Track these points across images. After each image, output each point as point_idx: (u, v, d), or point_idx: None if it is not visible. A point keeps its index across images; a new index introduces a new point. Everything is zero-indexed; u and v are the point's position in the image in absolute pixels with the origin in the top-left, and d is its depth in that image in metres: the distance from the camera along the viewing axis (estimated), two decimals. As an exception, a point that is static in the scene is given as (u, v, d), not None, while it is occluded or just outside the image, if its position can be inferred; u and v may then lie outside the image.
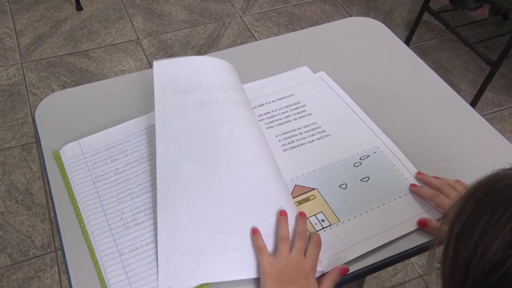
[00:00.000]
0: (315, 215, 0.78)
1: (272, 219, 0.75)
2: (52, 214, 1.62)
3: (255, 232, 0.73)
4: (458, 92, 2.09)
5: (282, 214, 0.74)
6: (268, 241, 0.73)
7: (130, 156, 0.86)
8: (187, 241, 0.73)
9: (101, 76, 2.13)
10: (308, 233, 0.75)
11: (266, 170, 0.79)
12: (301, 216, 0.75)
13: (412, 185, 0.82)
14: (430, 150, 0.89)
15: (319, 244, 0.73)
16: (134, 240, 0.75)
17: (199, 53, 2.25)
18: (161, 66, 0.89)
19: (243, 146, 0.80)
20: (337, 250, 0.74)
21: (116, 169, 0.84)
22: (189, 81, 0.87)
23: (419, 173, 0.84)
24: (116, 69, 2.17)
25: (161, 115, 0.83)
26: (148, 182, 0.82)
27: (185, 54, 2.24)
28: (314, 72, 1.03)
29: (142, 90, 0.98)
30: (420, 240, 0.77)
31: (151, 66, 2.22)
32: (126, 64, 2.20)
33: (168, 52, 2.25)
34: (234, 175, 0.77)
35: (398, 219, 0.78)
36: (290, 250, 0.72)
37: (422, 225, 0.77)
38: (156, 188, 0.78)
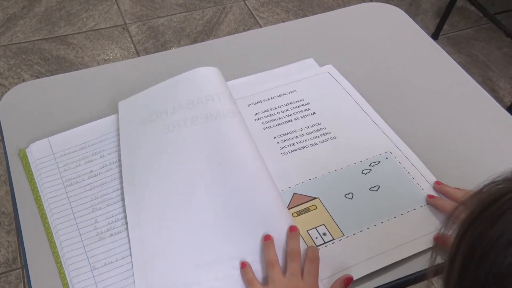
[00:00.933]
0: (315, 227, 0.80)
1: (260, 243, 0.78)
2: (20, 225, 1.64)
3: (243, 265, 0.76)
4: (498, 91, 2.12)
5: (265, 239, 0.77)
6: (259, 268, 0.76)
7: (108, 157, 0.88)
8: (167, 276, 0.76)
9: (81, 66, 2.16)
10: (305, 247, 0.77)
11: (254, 184, 0.82)
12: (292, 231, 0.77)
13: (430, 196, 0.84)
14: (452, 157, 0.91)
15: (316, 259, 0.75)
16: (109, 252, 0.78)
17: (195, 41, 2.27)
18: (125, 105, 0.95)
19: (224, 162, 0.84)
20: (340, 268, 0.76)
21: (91, 171, 0.87)
22: (154, 109, 0.92)
23: (437, 182, 0.85)
24: (99, 58, 2.20)
25: (126, 152, 0.88)
26: (127, 187, 0.85)
27: (178, 42, 2.27)
28: (321, 65, 1.06)
29: (127, 82, 1.00)
30: (438, 259, 0.78)
31: (139, 55, 2.26)
32: (111, 52, 2.23)
33: (160, 40, 2.28)
34: (216, 196, 0.81)
35: (413, 235, 0.80)
36: (285, 274, 0.74)
37: (440, 242, 0.78)
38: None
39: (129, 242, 0.78)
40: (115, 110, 0.95)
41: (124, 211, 0.81)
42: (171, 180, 0.84)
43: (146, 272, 0.76)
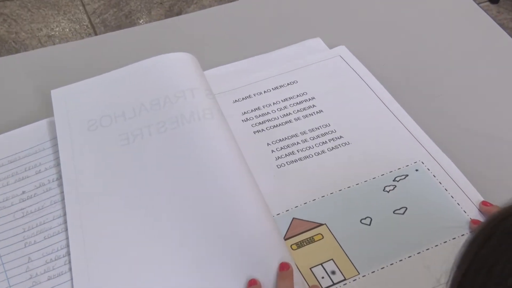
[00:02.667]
0: (321, 264, 0.81)
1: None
2: None
3: None
4: None
5: (250, 284, 0.77)
6: None
7: (46, 173, 0.90)
8: None
9: (15, 45, 2.16)
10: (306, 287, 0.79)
11: (239, 209, 0.83)
12: (283, 270, 0.78)
13: (474, 222, 0.84)
14: (505, 169, 0.92)
15: None
16: (47, 302, 0.78)
17: (171, 12, 2.28)
18: (62, 95, 0.96)
19: (200, 181, 0.85)
20: (354, 318, 0.78)
21: (23, 192, 0.88)
22: (106, 110, 0.94)
23: (484, 203, 0.86)
24: (40, 34, 2.20)
25: (69, 169, 0.89)
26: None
27: (148, 13, 2.28)
28: (331, 46, 1.07)
29: (77, 71, 1.01)
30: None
31: (96, 32, 2.26)
32: (57, 26, 2.23)
33: (123, 9, 2.28)
34: (189, 228, 0.82)
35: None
36: None
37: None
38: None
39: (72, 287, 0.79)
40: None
41: (68, 246, 0.82)
42: (131, 207, 0.85)
43: None
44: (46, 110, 0.96)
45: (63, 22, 2.24)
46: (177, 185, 0.86)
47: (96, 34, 2.23)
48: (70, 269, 0.81)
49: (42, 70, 1.04)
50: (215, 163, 0.86)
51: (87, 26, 2.24)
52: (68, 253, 0.82)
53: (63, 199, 0.87)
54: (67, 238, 0.83)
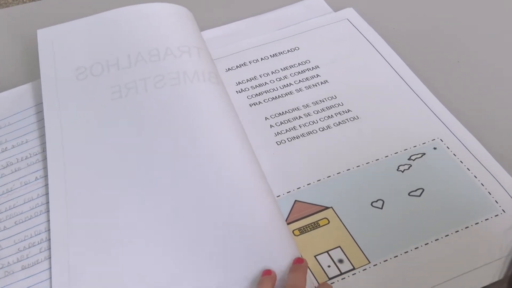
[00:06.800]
0: (328, 251, 0.87)
1: (248, 273, 0.82)
2: None
3: None
4: None
5: (263, 275, 0.81)
6: None
7: (12, 151, 0.96)
8: None
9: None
10: (314, 283, 0.84)
11: (241, 188, 0.87)
12: (297, 263, 0.82)
13: None
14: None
15: None
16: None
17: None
18: (49, 36, 1.01)
19: (200, 151, 0.89)
20: (364, 312, 0.82)
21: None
22: (97, 55, 0.98)
23: None
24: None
25: (53, 124, 0.94)
26: (46, 195, 0.90)
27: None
28: (336, 9, 1.14)
29: (27, 37, 1.08)
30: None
31: None
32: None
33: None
34: (184, 204, 0.86)
35: (478, 260, 0.85)
36: None
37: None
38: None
39: (51, 278, 0.83)
40: (12, 82, 1.02)
41: (45, 231, 0.86)
42: (121, 178, 0.88)
43: None
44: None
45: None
46: (174, 148, 0.89)
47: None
48: (49, 257, 0.84)
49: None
50: (218, 132, 0.91)
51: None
52: (44, 240, 0.86)
53: (35, 180, 0.92)
54: (44, 223, 0.87)
